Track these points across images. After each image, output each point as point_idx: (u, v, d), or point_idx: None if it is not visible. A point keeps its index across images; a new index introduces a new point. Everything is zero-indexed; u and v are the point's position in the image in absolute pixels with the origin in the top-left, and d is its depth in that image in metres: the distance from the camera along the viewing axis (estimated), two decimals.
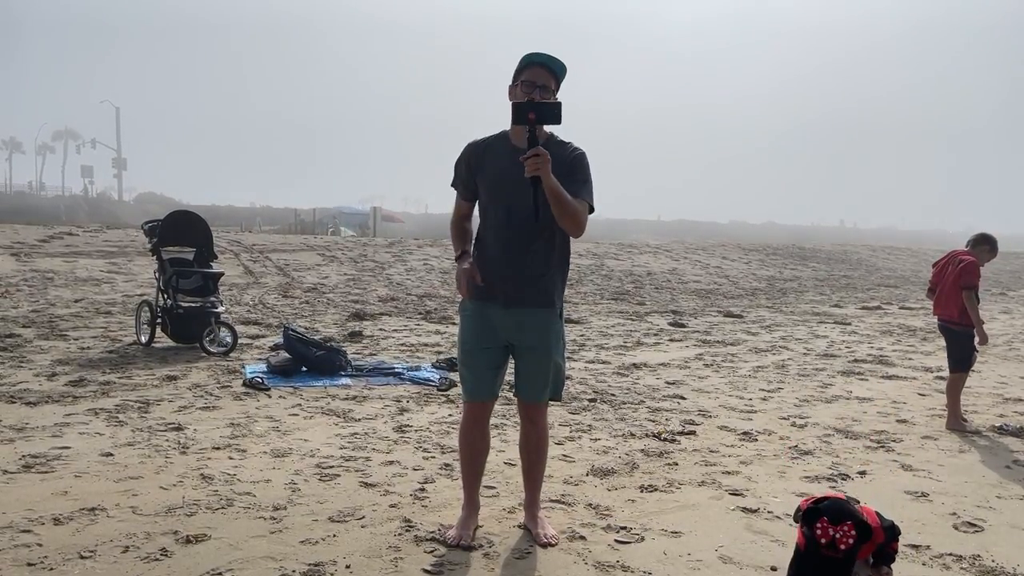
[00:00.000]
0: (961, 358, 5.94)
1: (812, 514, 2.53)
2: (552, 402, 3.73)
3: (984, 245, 6.06)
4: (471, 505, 3.65)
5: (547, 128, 3.38)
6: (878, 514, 2.70)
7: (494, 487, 4.19)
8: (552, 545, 3.49)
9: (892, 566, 2.78)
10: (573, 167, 3.39)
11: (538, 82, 3.29)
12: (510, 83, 3.39)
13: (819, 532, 2.49)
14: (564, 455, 4.86)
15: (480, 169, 3.46)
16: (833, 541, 2.46)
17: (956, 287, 5.87)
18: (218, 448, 4.77)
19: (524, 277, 3.43)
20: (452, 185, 3.60)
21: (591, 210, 3.42)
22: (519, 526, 3.69)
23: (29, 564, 3.14)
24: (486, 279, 3.42)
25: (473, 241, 3.56)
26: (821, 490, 4.35)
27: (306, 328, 9.42)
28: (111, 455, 4.56)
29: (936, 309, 6.12)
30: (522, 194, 3.22)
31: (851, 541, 2.47)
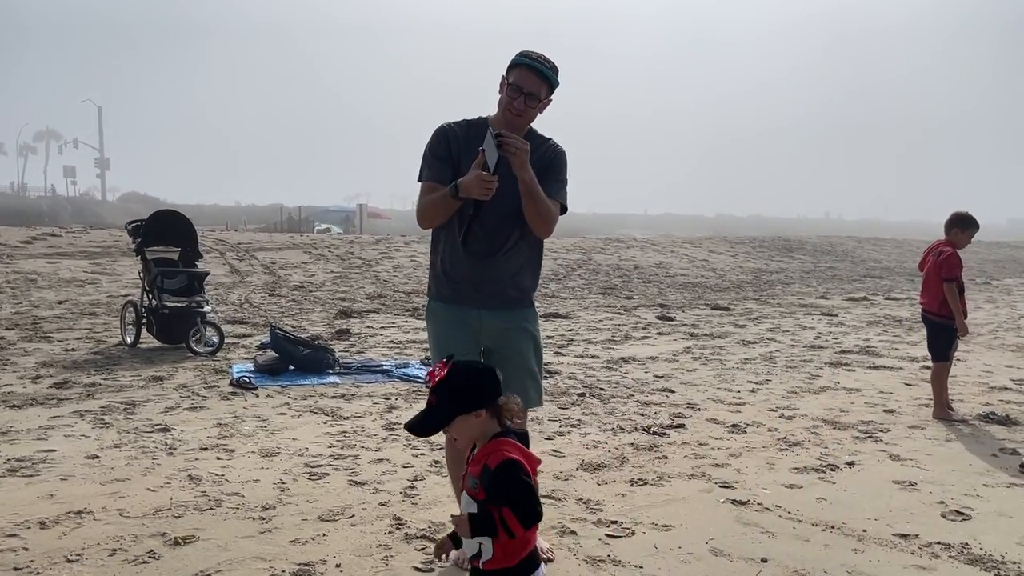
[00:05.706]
0: (939, 348, 5.96)
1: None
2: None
3: (954, 228, 5.97)
4: None
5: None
6: (531, 458, 2.14)
7: None
8: (550, 561, 3.28)
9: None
10: (554, 166, 3.25)
11: (525, 88, 3.10)
12: (503, 75, 3.19)
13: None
14: (554, 450, 4.86)
15: (463, 158, 3.15)
16: (429, 377, 2.13)
17: (937, 278, 5.91)
18: (206, 449, 4.74)
19: (501, 277, 3.24)
20: (426, 177, 3.22)
21: (563, 210, 3.29)
22: None
23: (15, 568, 3.11)
24: (459, 281, 3.25)
25: (433, 240, 3.34)
26: (810, 481, 4.38)
27: (293, 327, 9.38)
28: (97, 457, 4.52)
29: (920, 297, 6.19)
30: (505, 189, 3.03)
31: (442, 374, 2.10)
